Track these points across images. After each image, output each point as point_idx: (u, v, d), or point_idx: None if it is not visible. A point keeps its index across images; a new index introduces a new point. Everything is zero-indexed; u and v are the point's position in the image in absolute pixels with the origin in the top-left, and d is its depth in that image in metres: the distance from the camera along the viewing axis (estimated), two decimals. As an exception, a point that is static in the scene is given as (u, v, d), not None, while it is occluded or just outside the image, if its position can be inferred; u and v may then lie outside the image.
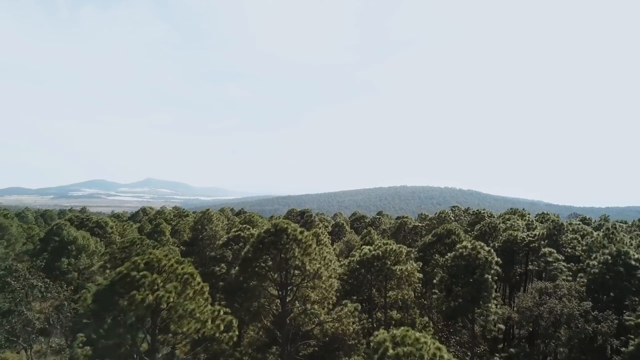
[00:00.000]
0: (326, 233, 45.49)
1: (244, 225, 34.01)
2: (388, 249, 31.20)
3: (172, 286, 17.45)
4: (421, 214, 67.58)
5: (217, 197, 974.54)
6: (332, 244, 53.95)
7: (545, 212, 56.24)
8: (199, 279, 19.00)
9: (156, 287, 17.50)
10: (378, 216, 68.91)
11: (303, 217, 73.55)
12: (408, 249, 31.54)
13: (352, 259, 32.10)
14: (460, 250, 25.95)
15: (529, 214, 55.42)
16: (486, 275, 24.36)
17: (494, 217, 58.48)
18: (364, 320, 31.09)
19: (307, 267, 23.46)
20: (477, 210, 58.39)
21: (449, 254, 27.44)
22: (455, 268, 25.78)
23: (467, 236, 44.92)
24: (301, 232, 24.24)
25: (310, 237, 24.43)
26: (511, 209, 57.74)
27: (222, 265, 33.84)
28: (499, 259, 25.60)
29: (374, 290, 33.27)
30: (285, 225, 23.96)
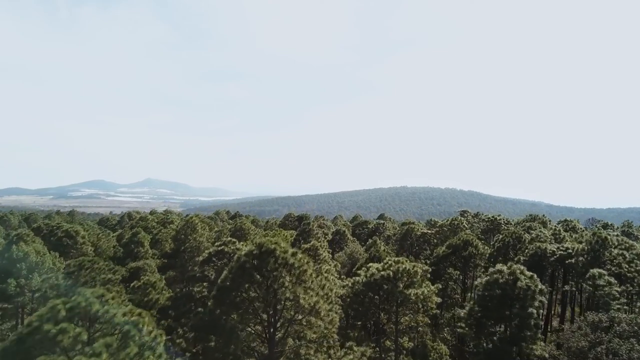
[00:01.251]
0: (325, 244, 40.18)
1: (229, 239, 28.71)
2: (400, 269, 25.88)
3: (102, 345, 11.93)
4: (430, 219, 62.09)
5: (217, 197, 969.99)
6: (332, 255, 48.62)
7: (568, 218, 50.82)
8: (148, 327, 13.55)
9: (80, 345, 12.20)
10: (382, 221, 63.68)
11: (301, 223, 68.36)
12: (424, 269, 26.28)
13: (357, 278, 26.81)
14: (495, 276, 20.56)
15: (549, 220, 50.02)
16: (530, 309, 19.05)
17: (510, 223, 53.14)
18: (370, 350, 25.76)
19: (302, 301, 18.12)
20: (493, 216, 52.96)
21: (479, 279, 22.01)
22: (489, 298, 20.40)
23: (485, 247, 39.55)
24: (293, 255, 18.82)
25: (305, 261, 19.04)
26: (530, 215, 52.30)
27: (204, 285, 28.53)
28: (543, 287, 20.29)
29: (383, 315, 28.08)
30: (273, 246, 18.54)
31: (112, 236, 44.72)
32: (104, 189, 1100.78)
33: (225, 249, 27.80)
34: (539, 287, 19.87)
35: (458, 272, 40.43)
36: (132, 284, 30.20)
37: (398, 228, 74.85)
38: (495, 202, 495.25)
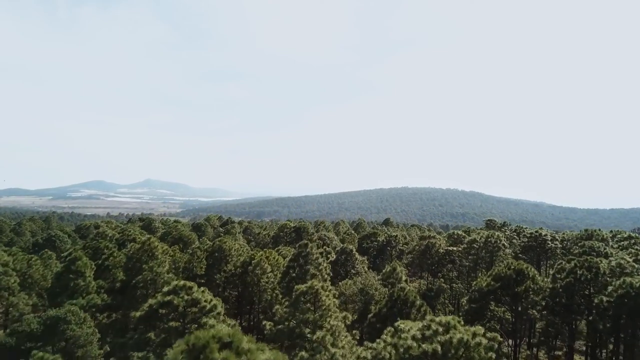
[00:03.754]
0: (328, 271, 30.13)
1: (182, 283, 18.62)
2: (454, 340, 15.82)
3: None
4: (453, 232, 51.81)
5: (217, 197, 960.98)
6: (335, 280, 38.43)
7: (633, 234, 40.50)
8: None
9: None
10: (394, 234, 53.56)
11: (298, 235, 58.18)
12: (489, 338, 16.31)
13: (384, 354, 16.72)
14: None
15: (610, 235, 39.78)
16: None
17: (557, 240, 42.87)
18: None
19: None
20: (536, 231, 42.57)
21: None
22: None
23: (545, 280, 29.35)
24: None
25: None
26: (586, 230, 41.91)
27: (142, 355, 18.38)
28: None
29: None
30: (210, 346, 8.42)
31: (56, 262, 34.67)
32: (104, 190, 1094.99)
33: (174, 301, 17.78)
34: None
35: (505, 310, 30.35)
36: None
37: (413, 240, 64.63)
38: (497, 203, 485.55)
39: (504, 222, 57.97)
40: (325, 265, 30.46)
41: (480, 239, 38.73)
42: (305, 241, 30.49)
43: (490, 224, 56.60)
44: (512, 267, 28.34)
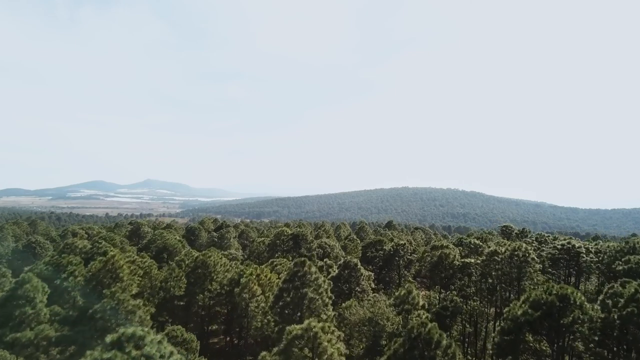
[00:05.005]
0: (329, 301, 25.00)
1: (130, 333, 13.54)
2: None
3: None
4: (468, 241, 46.36)
5: (217, 198, 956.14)
6: (337, 302, 33.27)
7: None
8: None
9: None
10: (402, 242, 48.37)
11: (296, 243, 53.03)
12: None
13: None
14: None
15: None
16: None
17: (591, 252, 37.66)
18: None
19: None
20: (568, 242, 37.14)
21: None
22: None
23: (595, 307, 24.15)
24: None
25: None
26: (626, 242, 36.27)
27: None
28: None
29: None
30: None
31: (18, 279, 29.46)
32: (104, 190, 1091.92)
33: (116, 360, 12.71)
34: None
35: (543, 342, 25.21)
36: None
37: (419, 246, 59.44)
38: (498, 203, 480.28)
39: (523, 229, 52.57)
40: (325, 286, 25.35)
41: (505, 252, 33.46)
42: (303, 258, 25.31)
43: (506, 231, 51.39)
44: (554, 291, 23.17)
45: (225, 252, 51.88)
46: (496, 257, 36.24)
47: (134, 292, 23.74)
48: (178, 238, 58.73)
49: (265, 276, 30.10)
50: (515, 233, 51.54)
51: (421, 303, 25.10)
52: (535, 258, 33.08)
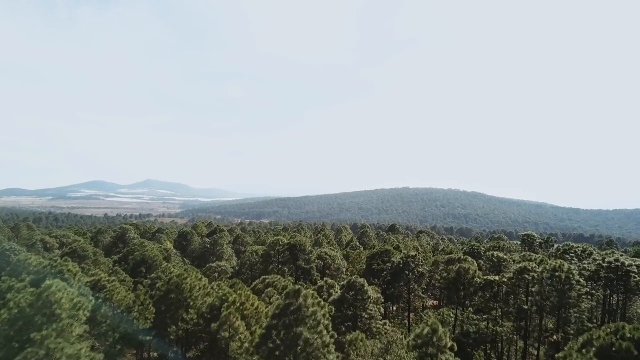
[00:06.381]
0: (330, 341, 19.47)
1: None
2: None
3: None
4: (492, 254, 40.15)
5: (217, 198, 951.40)
6: (344, 326, 27.64)
7: None
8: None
9: None
10: (412, 253, 42.60)
11: (293, 254, 47.36)
12: None
13: None
14: None
15: None
16: None
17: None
18: None
19: None
20: (616, 259, 31.29)
21: None
22: None
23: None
24: None
25: None
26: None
27: None
28: None
29: None
30: None
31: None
32: (104, 190, 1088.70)
33: None
34: None
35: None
36: None
37: (426, 252, 53.68)
38: (500, 204, 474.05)
39: (548, 239, 46.56)
40: (326, 322, 19.79)
41: (543, 272, 27.66)
42: (297, 287, 19.67)
43: (527, 240, 45.61)
44: (628, 334, 17.50)
45: (214, 264, 46.29)
46: (526, 276, 30.52)
47: (77, 332, 18.16)
48: (165, 247, 53.18)
49: (252, 305, 24.37)
50: (539, 242, 45.80)
51: (449, 345, 19.55)
52: (582, 281, 27.40)
